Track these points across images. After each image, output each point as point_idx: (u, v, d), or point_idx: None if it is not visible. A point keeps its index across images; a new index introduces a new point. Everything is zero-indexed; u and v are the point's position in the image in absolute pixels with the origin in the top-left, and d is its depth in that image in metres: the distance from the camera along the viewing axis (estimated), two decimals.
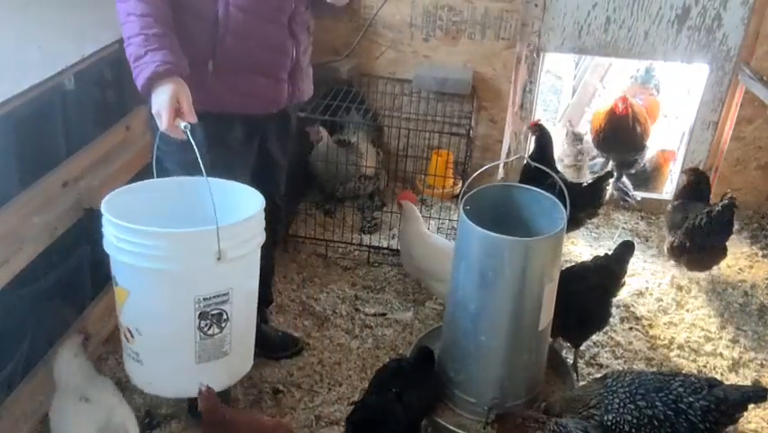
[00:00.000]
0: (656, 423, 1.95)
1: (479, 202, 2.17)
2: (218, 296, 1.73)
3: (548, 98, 4.69)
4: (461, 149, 3.51)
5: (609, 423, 1.98)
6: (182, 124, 1.74)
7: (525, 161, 3.25)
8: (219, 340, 1.79)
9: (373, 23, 3.47)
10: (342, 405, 2.41)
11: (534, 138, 3.24)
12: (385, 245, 3.26)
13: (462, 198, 2.17)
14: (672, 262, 3.28)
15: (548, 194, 2.21)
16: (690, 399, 1.97)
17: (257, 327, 2.60)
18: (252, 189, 1.93)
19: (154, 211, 1.87)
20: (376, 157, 3.59)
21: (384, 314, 2.90)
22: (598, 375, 2.57)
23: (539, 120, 3.37)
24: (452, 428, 2.24)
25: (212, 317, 1.75)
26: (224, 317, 1.77)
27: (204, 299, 1.71)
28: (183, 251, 1.68)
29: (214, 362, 1.81)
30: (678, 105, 4.56)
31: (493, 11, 3.34)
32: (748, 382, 2.59)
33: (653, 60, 3.73)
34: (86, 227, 2.22)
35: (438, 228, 3.32)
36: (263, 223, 1.88)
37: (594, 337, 2.77)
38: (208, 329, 1.75)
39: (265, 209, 2.34)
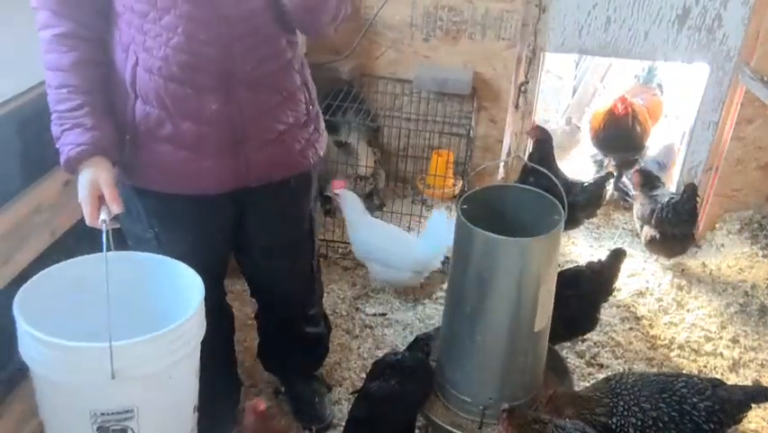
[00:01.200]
0: (661, 424, 1.95)
1: (476, 202, 2.17)
2: (119, 413, 1.53)
3: (548, 98, 4.69)
4: (461, 149, 3.51)
5: (614, 426, 1.98)
6: (100, 218, 1.54)
7: (523, 162, 3.25)
8: None
9: (373, 24, 3.47)
10: (343, 405, 2.41)
11: (533, 141, 3.23)
12: None
13: (460, 197, 2.17)
14: (673, 262, 3.29)
15: (546, 194, 2.21)
16: (694, 399, 1.96)
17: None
18: (196, 279, 1.68)
19: (89, 291, 1.62)
20: (373, 157, 3.59)
21: (384, 314, 2.90)
22: (599, 375, 2.58)
23: (535, 123, 3.36)
24: (447, 427, 2.25)
25: (114, 432, 1.55)
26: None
27: (102, 414, 1.52)
28: (72, 363, 1.48)
29: None
30: (679, 105, 4.56)
31: (493, 11, 3.35)
32: (748, 382, 2.60)
33: (654, 60, 3.73)
34: (88, 226, 2.22)
35: None
36: (195, 329, 1.63)
37: (594, 337, 2.77)
38: None
39: (266, 303, 2.19)
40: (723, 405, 1.95)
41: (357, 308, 2.92)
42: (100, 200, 1.56)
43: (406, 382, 2.11)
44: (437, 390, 2.36)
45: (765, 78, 3.05)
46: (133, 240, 1.86)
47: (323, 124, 1.97)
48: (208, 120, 1.66)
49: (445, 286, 3.05)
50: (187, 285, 1.68)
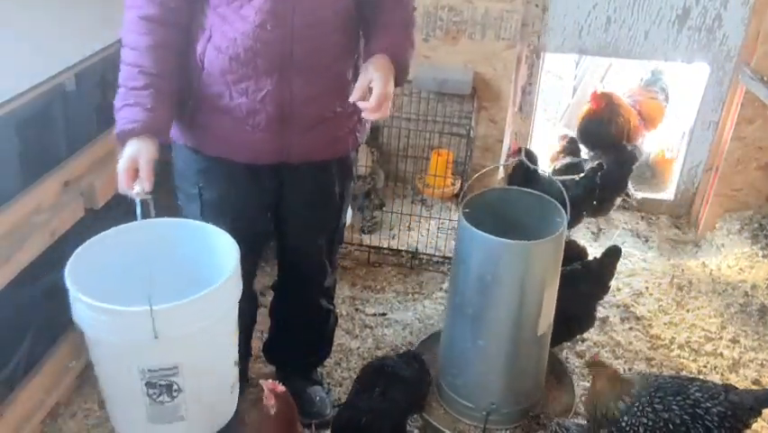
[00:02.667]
0: (671, 427, 1.95)
1: (479, 205, 2.17)
2: (165, 369, 1.64)
3: (548, 98, 4.69)
4: (461, 149, 3.51)
5: (624, 423, 1.99)
6: (134, 190, 1.66)
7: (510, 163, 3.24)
8: (172, 407, 1.70)
9: None
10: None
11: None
12: (385, 245, 3.26)
13: (463, 199, 2.17)
14: (673, 262, 3.29)
15: (548, 197, 2.21)
16: (708, 404, 1.97)
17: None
18: (232, 243, 1.76)
19: (135, 256, 1.77)
20: (371, 157, 3.59)
21: (384, 314, 2.90)
22: None
23: (516, 145, 3.33)
24: (449, 432, 2.25)
25: (161, 387, 1.66)
26: (175, 387, 1.67)
27: (149, 371, 1.63)
28: (118, 325, 1.58)
29: (171, 424, 1.73)
30: (679, 106, 4.55)
31: (493, 11, 3.34)
32: (748, 382, 2.60)
33: (654, 60, 3.73)
34: (88, 226, 2.22)
35: (438, 228, 3.33)
36: (231, 290, 1.71)
37: (594, 337, 2.78)
38: (158, 397, 1.67)
39: (289, 283, 2.27)
40: (735, 411, 1.95)
41: (357, 309, 2.92)
42: (135, 173, 1.68)
43: (394, 388, 2.10)
44: (438, 395, 2.36)
45: (765, 78, 3.05)
46: (182, 195, 2.01)
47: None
48: (262, 99, 1.79)
49: (445, 286, 3.06)
50: (224, 249, 1.77)
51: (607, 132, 3.65)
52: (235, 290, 1.75)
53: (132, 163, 1.67)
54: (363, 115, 1.81)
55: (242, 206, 1.98)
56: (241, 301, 1.79)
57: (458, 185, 3.56)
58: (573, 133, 3.80)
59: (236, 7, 1.72)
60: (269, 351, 2.47)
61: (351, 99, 1.78)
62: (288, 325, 2.38)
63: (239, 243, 1.77)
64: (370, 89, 1.74)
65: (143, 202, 1.67)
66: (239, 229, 1.86)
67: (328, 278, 2.29)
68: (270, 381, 1.77)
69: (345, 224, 2.25)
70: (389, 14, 1.88)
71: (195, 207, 1.96)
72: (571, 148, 3.63)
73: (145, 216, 1.68)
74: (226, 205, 1.95)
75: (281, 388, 1.75)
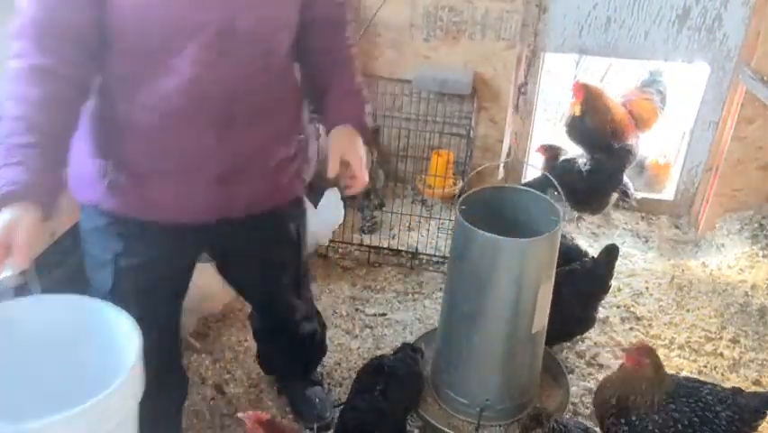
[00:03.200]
0: (680, 427, 1.96)
1: (475, 203, 2.17)
2: None
3: (548, 98, 4.68)
4: (461, 149, 3.51)
5: (635, 417, 1.99)
6: (3, 274, 1.32)
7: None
8: None
9: (373, 24, 3.47)
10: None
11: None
12: (385, 245, 3.26)
13: (459, 198, 2.17)
14: (673, 262, 3.29)
15: (543, 195, 2.22)
16: (718, 408, 1.98)
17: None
18: (131, 327, 1.46)
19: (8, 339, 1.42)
20: (369, 157, 3.58)
21: (384, 314, 2.90)
22: (599, 375, 2.58)
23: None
24: (444, 428, 2.25)
25: None
26: None
27: None
28: None
29: None
30: (681, 107, 4.53)
31: (493, 11, 3.34)
32: (749, 383, 2.60)
33: (654, 60, 3.73)
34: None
35: (438, 228, 3.33)
36: (132, 390, 1.41)
37: (594, 337, 2.78)
38: None
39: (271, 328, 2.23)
40: (742, 414, 1.96)
41: (357, 309, 2.92)
42: (7, 250, 1.31)
43: (392, 387, 2.10)
44: (434, 391, 2.36)
45: (765, 78, 3.05)
46: (91, 261, 1.76)
47: (312, 147, 1.98)
48: (199, 156, 1.62)
49: None
50: (124, 334, 1.45)
51: (590, 128, 3.59)
52: (136, 389, 1.42)
53: (5, 236, 1.30)
54: (345, 191, 1.78)
55: (164, 272, 1.77)
56: (164, 378, 1.56)
57: (458, 185, 3.56)
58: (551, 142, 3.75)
59: (164, 59, 1.51)
60: (262, 363, 2.46)
61: (329, 175, 1.70)
62: (273, 347, 2.37)
63: (153, 318, 1.55)
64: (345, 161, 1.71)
65: (20, 286, 1.34)
66: (153, 304, 1.71)
67: (298, 312, 2.20)
68: (249, 412, 1.70)
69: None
70: (344, 79, 1.81)
71: (106, 275, 1.70)
72: (550, 162, 3.52)
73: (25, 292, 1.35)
74: (147, 272, 1.73)
75: (265, 416, 1.70)
